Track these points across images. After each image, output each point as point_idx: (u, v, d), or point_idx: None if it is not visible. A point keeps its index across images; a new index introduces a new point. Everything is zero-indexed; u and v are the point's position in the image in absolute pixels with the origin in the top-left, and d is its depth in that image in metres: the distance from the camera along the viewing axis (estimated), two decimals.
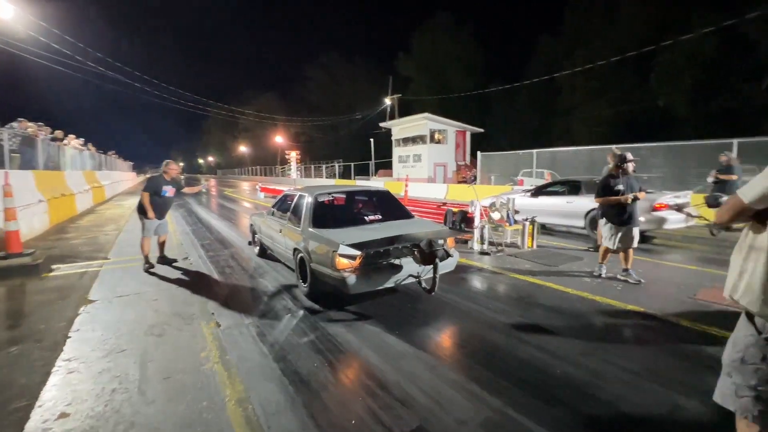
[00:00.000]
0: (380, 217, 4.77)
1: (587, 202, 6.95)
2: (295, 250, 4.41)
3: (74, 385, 2.52)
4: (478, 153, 17.49)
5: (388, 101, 31.59)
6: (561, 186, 7.99)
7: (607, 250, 4.67)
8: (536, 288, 4.40)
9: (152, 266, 5.34)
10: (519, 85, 26.63)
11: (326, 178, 33.31)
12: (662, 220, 6.24)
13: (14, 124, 9.42)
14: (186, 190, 5.89)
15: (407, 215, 4.90)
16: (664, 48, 19.61)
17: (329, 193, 5.18)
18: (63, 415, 2.22)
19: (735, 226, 1.47)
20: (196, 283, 4.77)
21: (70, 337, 3.25)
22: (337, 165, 33.23)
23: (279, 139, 42.67)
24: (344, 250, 3.52)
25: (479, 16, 62.68)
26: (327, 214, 4.63)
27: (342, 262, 3.56)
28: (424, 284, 3.82)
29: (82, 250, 6.51)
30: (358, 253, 3.49)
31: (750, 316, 1.35)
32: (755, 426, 1.30)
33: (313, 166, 36.78)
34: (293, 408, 2.26)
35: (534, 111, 32.53)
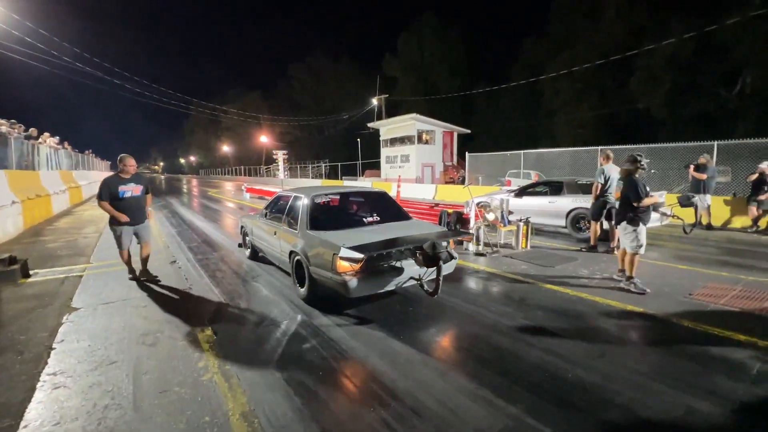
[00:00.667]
0: (378, 218, 4.68)
1: (569, 202, 7.23)
2: (291, 253, 4.28)
3: (62, 402, 2.34)
4: (467, 154, 17.58)
5: (375, 101, 31.54)
6: (544, 186, 8.22)
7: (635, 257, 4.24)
8: (535, 289, 4.39)
9: (135, 277, 4.82)
10: (504, 87, 27.01)
11: (312, 178, 32.96)
12: None
13: None
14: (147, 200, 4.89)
15: (405, 217, 4.83)
16: (643, 52, 20.22)
17: (326, 194, 5.06)
18: None
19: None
20: (186, 288, 4.58)
21: (54, 348, 3.04)
22: (323, 165, 32.95)
23: (264, 138, 42.02)
24: (346, 252, 3.42)
25: (465, 18, 63.41)
26: (324, 216, 4.52)
27: (343, 265, 3.46)
28: (426, 287, 3.76)
29: (61, 254, 6.19)
30: (360, 255, 3.39)
31: None
32: None
33: (299, 166, 36.36)
34: (302, 420, 2.15)
35: (518, 112, 33.03)
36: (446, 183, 21.90)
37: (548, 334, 3.23)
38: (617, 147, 9.82)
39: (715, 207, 8.65)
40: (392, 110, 31.05)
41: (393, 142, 25.55)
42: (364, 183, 23.68)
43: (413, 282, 3.78)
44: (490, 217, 6.53)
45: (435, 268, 3.52)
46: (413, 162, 23.80)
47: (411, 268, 3.75)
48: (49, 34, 17.30)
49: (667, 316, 3.52)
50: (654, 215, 6.30)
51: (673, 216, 6.41)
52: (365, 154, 30.77)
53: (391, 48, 41.52)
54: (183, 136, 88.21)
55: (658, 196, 6.49)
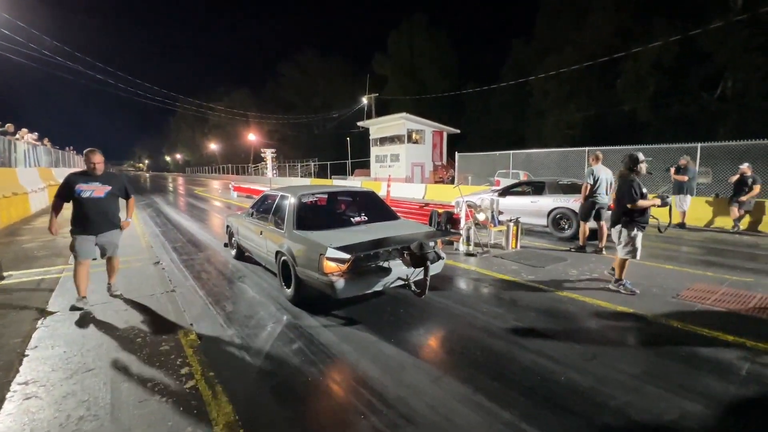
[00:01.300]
0: (366, 218, 4.61)
1: (550, 202, 7.45)
2: (277, 253, 4.18)
3: (33, 414, 2.20)
4: (456, 153, 17.62)
5: (365, 100, 31.40)
6: (527, 186, 8.43)
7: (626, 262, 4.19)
8: (526, 290, 4.38)
9: (84, 303, 3.81)
10: (494, 87, 27.17)
11: (301, 177, 32.68)
12: None
13: None
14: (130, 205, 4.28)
15: (393, 216, 4.78)
16: (629, 56, 20.59)
17: (313, 194, 4.97)
18: None
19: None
20: (170, 290, 4.43)
21: (26, 355, 2.88)
22: (312, 164, 32.68)
23: (252, 136, 41.48)
24: (332, 253, 3.34)
25: (455, 19, 63.66)
26: (311, 216, 4.42)
27: (330, 266, 3.39)
28: (413, 287, 3.71)
29: (38, 255, 5.95)
30: (347, 256, 3.31)
31: None
32: None
33: (287, 165, 36.00)
34: (291, 430, 2.06)
35: (508, 113, 33.27)
36: (436, 183, 21.94)
37: (540, 335, 3.20)
38: (605, 148, 9.94)
39: (698, 208, 8.83)
40: (382, 109, 30.96)
41: (383, 141, 25.48)
42: (353, 182, 23.57)
43: (401, 282, 3.73)
44: (481, 217, 6.51)
45: (423, 268, 3.49)
46: (403, 161, 23.78)
47: (399, 269, 3.70)
48: (26, 26, 16.72)
49: (656, 317, 3.54)
50: None
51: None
52: (355, 153, 30.64)
53: (382, 47, 41.51)
54: (169, 133, 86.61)
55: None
